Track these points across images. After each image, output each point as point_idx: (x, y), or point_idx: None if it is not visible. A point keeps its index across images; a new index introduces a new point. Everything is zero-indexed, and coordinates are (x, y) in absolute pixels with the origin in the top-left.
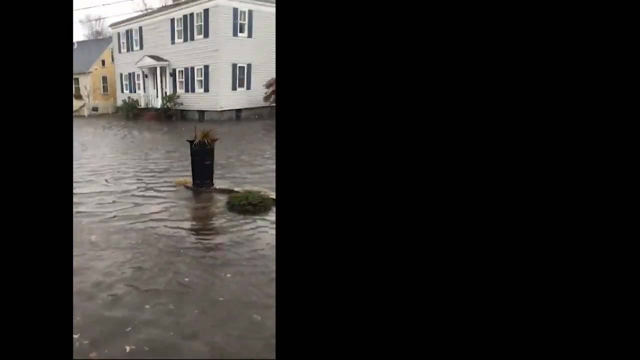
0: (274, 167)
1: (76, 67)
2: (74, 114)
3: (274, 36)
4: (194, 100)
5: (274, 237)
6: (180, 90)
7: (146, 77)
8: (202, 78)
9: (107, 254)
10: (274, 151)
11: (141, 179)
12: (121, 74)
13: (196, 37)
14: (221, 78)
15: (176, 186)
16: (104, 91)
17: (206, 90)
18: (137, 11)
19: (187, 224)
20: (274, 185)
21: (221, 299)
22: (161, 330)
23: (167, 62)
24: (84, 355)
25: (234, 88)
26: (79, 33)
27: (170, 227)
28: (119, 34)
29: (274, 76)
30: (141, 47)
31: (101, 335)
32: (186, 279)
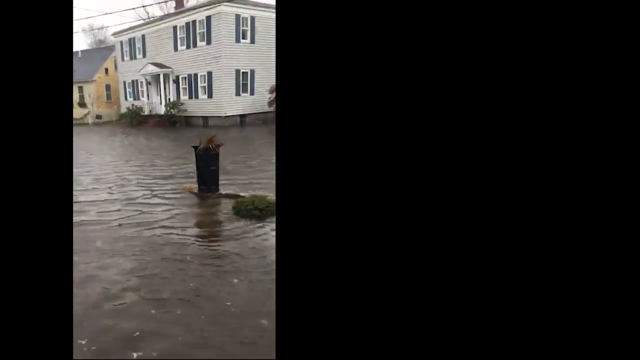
0: None
1: (80, 75)
2: (78, 122)
3: None
4: (198, 107)
5: None
6: (183, 97)
7: (149, 84)
8: (206, 84)
9: (114, 261)
10: None
11: (146, 186)
12: (124, 82)
13: (199, 44)
14: (224, 84)
15: (181, 192)
16: (107, 99)
17: (210, 96)
18: (140, 19)
19: (194, 231)
20: None
21: (228, 303)
22: (169, 340)
23: (170, 69)
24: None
25: (237, 94)
26: (82, 42)
27: (176, 234)
28: (122, 42)
29: None
30: (144, 55)
31: (108, 344)
32: (191, 285)
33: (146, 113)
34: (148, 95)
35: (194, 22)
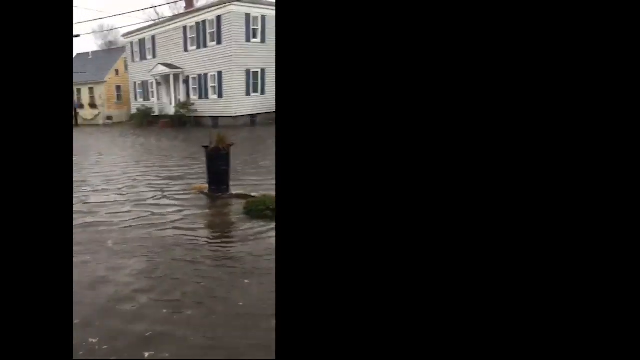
0: None
1: (91, 76)
2: (89, 123)
3: None
4: (208, 107)
5: None
6: (193, 97)
7: (160, 84)
8: (216, 84)
9: (125, 262)
10: None
11: (156, 187)
12: (135, 83)
13: (209, 44)
14: (235, 84)
15: (192, 193)
16: (118, 100)
17: (220, 96)
18: (150, 20)
19: (205, 232)
20: None
21: (240, 304)
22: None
23: (180, 70)
24: None
25: (247, 93)
26: (93, 43)
27: (187, 235)
28: (132, 43)
29: None
30: (154, 56)
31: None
32: (203, 285)
33: (156, 114)
34: (158, 96)
35: (204, 22)
